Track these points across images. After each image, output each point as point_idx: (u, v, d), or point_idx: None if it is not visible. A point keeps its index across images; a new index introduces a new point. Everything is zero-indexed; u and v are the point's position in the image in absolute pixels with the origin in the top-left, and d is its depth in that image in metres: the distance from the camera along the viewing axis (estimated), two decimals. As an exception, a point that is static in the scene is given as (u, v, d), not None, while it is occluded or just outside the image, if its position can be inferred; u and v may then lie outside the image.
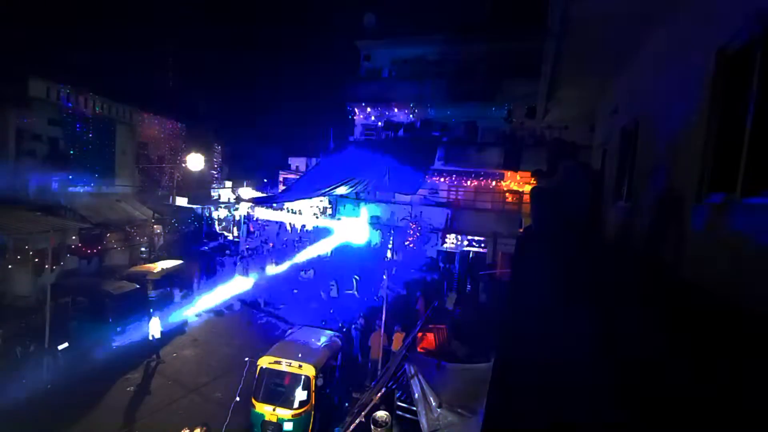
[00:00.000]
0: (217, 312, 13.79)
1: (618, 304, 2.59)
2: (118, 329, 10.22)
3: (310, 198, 16.45)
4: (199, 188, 25.24)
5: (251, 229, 24.26)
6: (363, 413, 5.97)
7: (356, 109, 20.09)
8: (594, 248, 5.31)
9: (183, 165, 23.90)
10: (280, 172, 33.22)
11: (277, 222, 23.02)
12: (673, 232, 3.32)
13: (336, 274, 15.60)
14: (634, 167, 4.92)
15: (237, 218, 27.19)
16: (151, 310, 10.97)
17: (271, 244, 21.81)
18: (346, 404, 8.55)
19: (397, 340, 9.86)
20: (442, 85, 17.48)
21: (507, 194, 17.92)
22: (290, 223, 22.94)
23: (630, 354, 1.71)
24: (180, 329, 12.04)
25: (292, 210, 22.50)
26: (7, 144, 14.69)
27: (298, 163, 32.87)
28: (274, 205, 21.99)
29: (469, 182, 18.63)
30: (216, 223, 26.75)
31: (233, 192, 28.89)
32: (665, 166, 3.86)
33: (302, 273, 16.98)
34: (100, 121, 18.26)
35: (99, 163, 18.23)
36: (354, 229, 16.83)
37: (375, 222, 16.98)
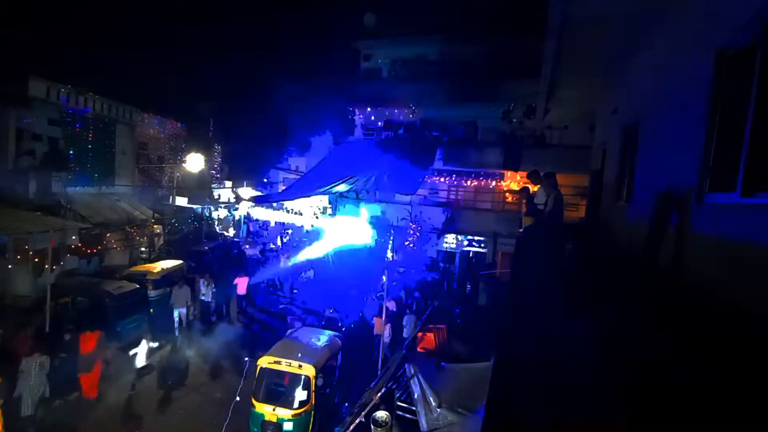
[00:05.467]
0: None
1: (618, 304, 2.59)
2: (118, 329, 10.21)
3: (310, 197, 16.46)
4: (199, 188, 25.25)
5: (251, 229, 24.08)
6: (363, 413, 5.98)
7: (356, 109, 20.11)
8: (594, 248, 5.31)
9: (183, 165, 23.91)
10: (280, 172, 33.20)
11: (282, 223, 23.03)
12: (673, 232, 3.33)
13: (336, 274, 15.61)
14: (634, 167, 4.92)
15: (237, 218, 27.22)
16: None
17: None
18: (346, 404, 8.56)
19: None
20: (442, 85, 17.49)
21: (507, 194, 17.94)
22: (285, 233, 23.01)
23: (630, 353, 1.71)
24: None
25: (292, 210, 22.53)
26: (7, 144, 14.69)
27: (298, 163, 32.88)
28: (274, 204, 22.00)
29: (469, 182, 18.65)
30: (216, 222, 26.74)
31: (233, 192, 28.89)
32: (665, 166, 3.86)
33: (302, 273, 16.99)
34: (100, 121, 18.27)
35: (99, 163, 18.23)
36: (354, 229, 16.84)
37: (375, 222, 16.99)
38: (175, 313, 12.08)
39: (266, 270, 16.41)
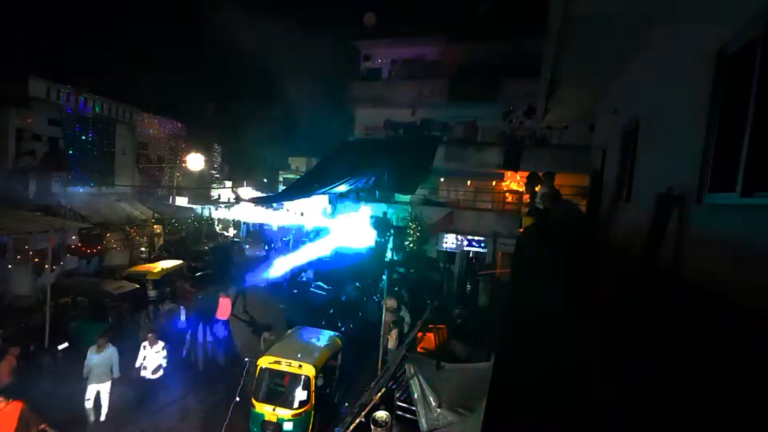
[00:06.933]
0: None
1: (618, 304, 2.59)
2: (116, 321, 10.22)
3: (310, 197, 16.47)
4: (199, 188, 25.27)
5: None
6: (363, 413, 5.98)
7: (356, 109, 20.12)
8: (594, 249, 5.31)
9: (183, 165, 23.93)
10: (280, 172, 33.29)
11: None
12: (673, 232, 3.32)
13: (335, 274, 15.61)
14: (634, 167, 4.92)
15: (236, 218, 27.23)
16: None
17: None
18: (346, 404, 8.55)
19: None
20: (442, 85, 17.50)
21: (507, 194, 17.94)
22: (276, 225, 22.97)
23: (629, 353, 1.71)
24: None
25: (293, 210, 22.55)
26: (7, 144, 14.71)
27: (298, 163, 32.97)
28: (274, 205, 22.00)
29: (469, 182, 18.64)
30: (216, 222, 26.77)
31: (233, 192, 28.92)
32: (665, 166, 3.86)
33: (302, 274, 17.00)
34: (100, 121, 18.29)
35: (99, 163, 18.27)
36: (353, 229, 16.84)
37: (375, 222, 16.98)
38: (89, 393, 7.55)
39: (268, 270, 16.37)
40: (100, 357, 7.69)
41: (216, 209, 26.55)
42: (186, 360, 10.03)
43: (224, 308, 10.87)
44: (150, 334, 8.48)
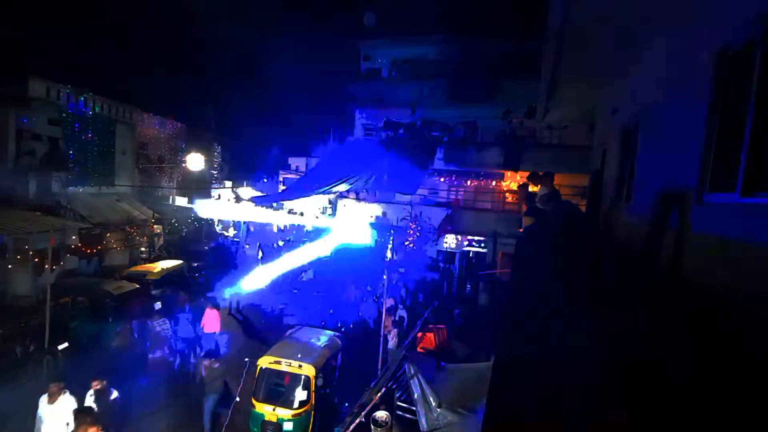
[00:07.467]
0: None
1: (618, 304, 2.59)
2: (118, 329, 10.21)
3: (310, 196, 16.48)
4: (199, 188, 25.26)
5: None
6: (363, 413, 5.98)
7: (356, 109, 20.13)
8: (594, 248, 5.31)
9: (183, 165, 23.92)
10: (280, 172, 33.26)
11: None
12: (673, 232, 3.32)
13: (335, 274, 15.62)
14: (634, 167, 4.92)
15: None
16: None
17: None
18: (346, 404, 8.55)
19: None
20: (442, 85, 17.52)
21: (507, 194, 17.95)
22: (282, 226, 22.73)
23: (630, 353, 1.71)
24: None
25: (293, 210, 22.50)
26: (7, 144, 14.70)
27: (298, 163, 32.92)
28: (274, 204, 21.98)
29: (469, 182, 18.66)
30: (216, 222, 26.76)
31: (233, 192, 28.91)
32: (665, 166, 3.86)
33: (302, 274, 17.00)
34: (100, 121, 18.27)
35: (99, 163, 18.24)
36: (353, 229, 16.84)
37: (374, 222, 16.99)
38: None
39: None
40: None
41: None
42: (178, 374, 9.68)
43: (211, 320, 9.86)
44: (53, 384, 5.83)
